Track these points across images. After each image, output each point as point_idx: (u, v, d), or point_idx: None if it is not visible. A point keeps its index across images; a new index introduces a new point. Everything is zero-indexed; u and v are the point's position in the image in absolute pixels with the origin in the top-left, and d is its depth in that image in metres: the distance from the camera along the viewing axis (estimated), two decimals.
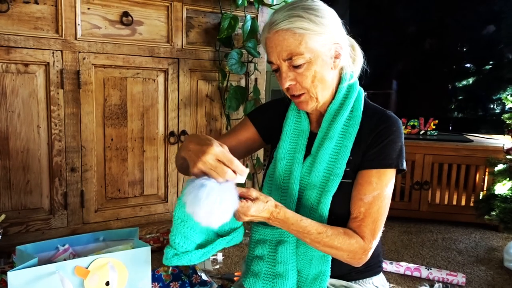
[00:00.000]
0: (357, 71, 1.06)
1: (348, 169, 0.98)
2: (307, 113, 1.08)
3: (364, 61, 1.07)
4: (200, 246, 0.92)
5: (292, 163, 1.04)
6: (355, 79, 1.05)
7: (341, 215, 0.97)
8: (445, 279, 1.77)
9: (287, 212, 0.90)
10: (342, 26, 1.00)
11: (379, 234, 0.98)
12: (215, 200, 0.76)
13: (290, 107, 1.10)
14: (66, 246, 1.10)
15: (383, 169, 0.97)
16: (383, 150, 0.97)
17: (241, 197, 0.85)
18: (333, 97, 1.03)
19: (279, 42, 0.93)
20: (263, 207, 0.87)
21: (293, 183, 1.01)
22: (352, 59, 1.03)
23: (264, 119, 1.17)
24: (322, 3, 0.98)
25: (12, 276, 0.91)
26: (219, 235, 0.95)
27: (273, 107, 1.19)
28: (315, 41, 0.93)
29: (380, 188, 0.96)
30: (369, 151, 0.98)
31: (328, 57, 0.96)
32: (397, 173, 1.01)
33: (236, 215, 0.86)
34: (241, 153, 1.18)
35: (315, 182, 0.99)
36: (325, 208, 0.96)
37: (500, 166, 2.16)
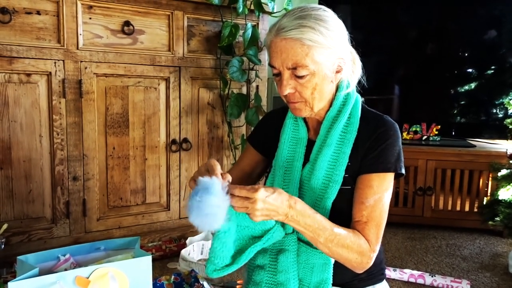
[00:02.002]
0: (354, 80, 1.06)
1: (347, 175, 0.98)
2: (305, 121, 1.08)
3: (362, 71, 1.07)
4: (237, 252, 0.95)
5: (291, 171, 1.03)
6: (352, 88, 1.05)
7: (341, 220, 0.96)
8: (450, 286, 1.75)
9: (303, 203, 0.88)
10: (348, 39, 0.99)
11: (381, 239, 0.97)
12: (196, 200, 0.79)
13: (287, 115, 1.10)
14: (67, 256, 1.09)
15: (382, 173, 0.97)
16: (382, 154, 0.97)
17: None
18: (331, 105, 1.03)
19: (285, 50, 0.92)
20: (273, 193, 0.83)
21: (293, 190, 1.01)
22: (351, 70, 1.04)
23: (261, 136, 1.18)
24: (332, 13, 0.97)
25: (13, 287, 0.91)
26: (255, 237, 0.95)
27: (269, 119, 1.19)
28: (321, 54, 0.92)
29: (381, 191, 0.96)
30: (368, 155, 0.98)
31: (331, 71, 0.97)
32: (395, 178, 1.01)
33: (248, 210, 0.83)
34: (250, 180, 1.17)
35: (314, 189, 0.99)
36: (325, 213, 0.96)
37: (503, 171, 2.15)
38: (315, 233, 0.88)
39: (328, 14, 0.95)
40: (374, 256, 0.95)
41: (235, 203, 0.82)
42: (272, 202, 0.83)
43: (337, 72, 0.99)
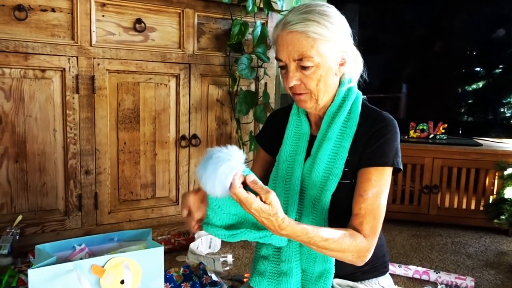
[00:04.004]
0: (356, 76, 1.10)
1: (346, 169, 1.01)
2: (307, 117, 1.12)
3: (363, 68, 1.10)
4: (235, 225, 0.93)
5: (293, 165, 1.07)
6: (353, 84, 1.08)
7: (341, 214, 0.99)
8: (454, 283, 1.77)
9: (295, 227, 0.85)
10: (350, 35, 1.03)
11: (379, 232, 0.99)
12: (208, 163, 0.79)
13: (291, 111, 1.13)
14: (82, 245, 1.13)
15: (381, 167, 0.99)
16: (380, 149, 1.00)
17: (256, 193, 0.82)
18: (332, 100, 1.06)
19: (291, 42, 0.96)
20: (267, 214, 0.81)
21: (295, 183, 1.05)
22: (353, 66, 1.07)
23: (268, 137, 1.20)
24: (335, 9, 1.02)
25: (32, 274, 0.95)
26: (258, 228, 0.93)
27: (274, 118, 1.23)
28: (326, 46, 0.97)
29: (379, 185, 0.98)
30: (366, 150, 1.01)
31: (335, 64, 1.01)
32: (393, 173, 1.03)
33: (240, 203, 0.82)
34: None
35: (315, 182, 1.02)
36: (325, 206, 1.00)
37: (509, 170, 2.17)
38: (308, 244, 0.89)
39: (332, 10, 1.00)
40: (371, 250, 0.96)
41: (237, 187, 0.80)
42: (260, 216, 0.82)
43: (341, 65, 1.03)
